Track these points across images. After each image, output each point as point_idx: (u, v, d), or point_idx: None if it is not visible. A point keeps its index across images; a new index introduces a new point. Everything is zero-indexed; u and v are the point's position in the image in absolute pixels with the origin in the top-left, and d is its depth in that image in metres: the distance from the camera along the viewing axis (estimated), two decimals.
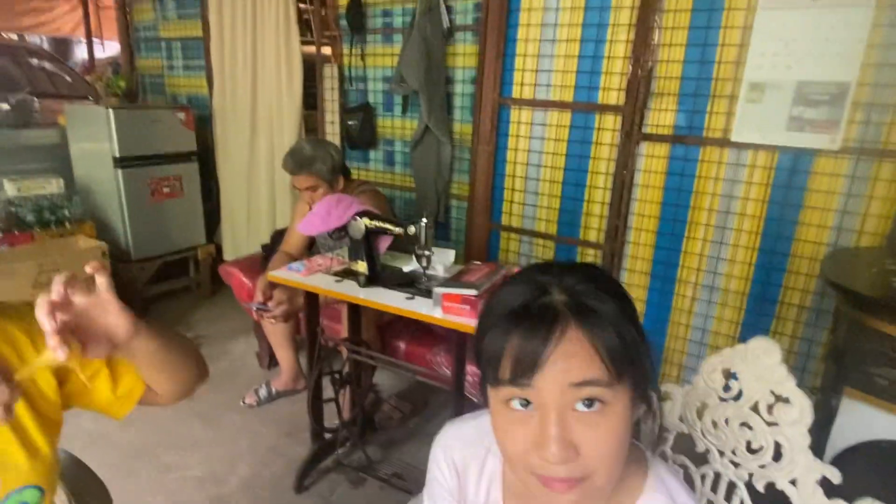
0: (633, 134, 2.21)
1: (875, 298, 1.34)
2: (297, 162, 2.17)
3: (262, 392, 2.52)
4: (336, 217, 1.76)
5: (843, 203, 1.92)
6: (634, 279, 2.37)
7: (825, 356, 1.94)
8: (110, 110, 3.03)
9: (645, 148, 2.23)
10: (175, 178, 3.32)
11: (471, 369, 1.91)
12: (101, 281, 0.65)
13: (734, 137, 2.03)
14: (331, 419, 2.09)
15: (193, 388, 0.90)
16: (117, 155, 3.06)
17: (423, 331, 2.41)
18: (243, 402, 2.50)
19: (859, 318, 1.40)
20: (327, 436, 2.09)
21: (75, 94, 4.49)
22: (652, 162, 2.22)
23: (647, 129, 2.20)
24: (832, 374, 1.53)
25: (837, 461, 1.51)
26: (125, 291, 3.09)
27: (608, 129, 2.29)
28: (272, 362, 2.78)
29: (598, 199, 2.39)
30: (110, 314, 0.67)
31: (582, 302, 0.58)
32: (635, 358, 0.59)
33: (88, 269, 0.66)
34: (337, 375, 2.03)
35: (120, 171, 3.09)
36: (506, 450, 0.61)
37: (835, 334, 1.58)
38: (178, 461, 2.13)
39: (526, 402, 0.58)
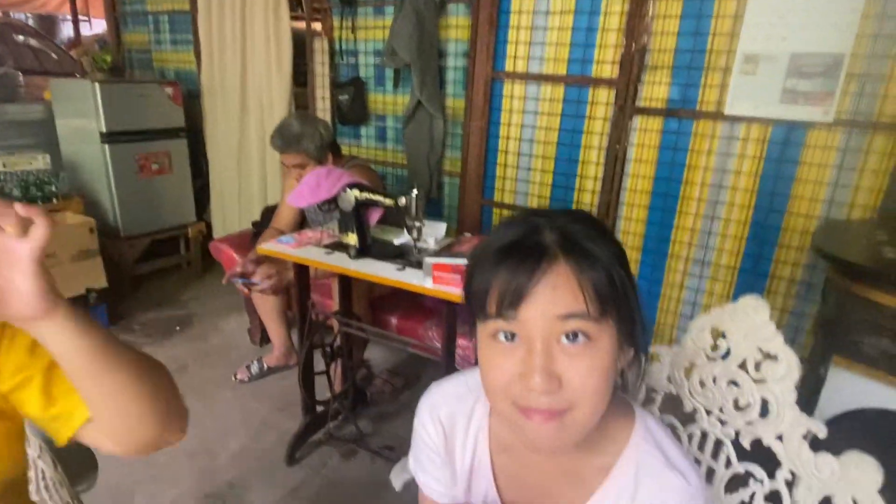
0: (626, 108, 2.19)
1: (864, 267, 1.34)
2: (284, 140, 2.14)
3: (254, 368, 2.52)
4: (325, 189, 1.74)
5: (835, 176, 1.92)
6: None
7: (814, 328, 1.96)
8: (96, 84, 2.98)
9: (638, 122, 2.21)
10: (164, 155, 3.28)
11: (461, 342, 1.91)
12: (37, 233, 0.54)
13: (727, 110, 2.02)
14: (322, 393, 2.09)
15: (160, 437, 0.67)
16: (104, 130, 3.02)
17: (414, 306, 2.40)
18: (235, 378, 2.50)
19: (848, 286, 1.40)
20: (319, 409, 2.09)
21: (61, 71, 4.42)
22: (645, 136, 2.21)
23: (640, 103, 2.18)
24: (820, 343, 1.54)
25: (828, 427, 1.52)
26: (115, 269, 3.07)
27: (601, 104, 2.27)
28: (264, 339, 2.77)
29: (591, 175, 2.37)
30: (17, 272, 0.53)
31: (572, 240, 0.58)
32: (623, 299, 0.59)
33: (22, 212, 0.54)
34: (328, 349, 2.03)
35: (107, 147, 3.05)
36: (489, 382, 0.60)
37: (823, 304, 1.58)
38: None
39: (511, 336, 0.58)
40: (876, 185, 1.86)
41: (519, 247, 0.58)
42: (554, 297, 0.56)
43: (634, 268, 2.37)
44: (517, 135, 2.51)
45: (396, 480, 1.03)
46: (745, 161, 2.05)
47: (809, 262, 2.03)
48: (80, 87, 3.06)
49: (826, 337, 1.51)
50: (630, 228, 2.34)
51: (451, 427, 0.76)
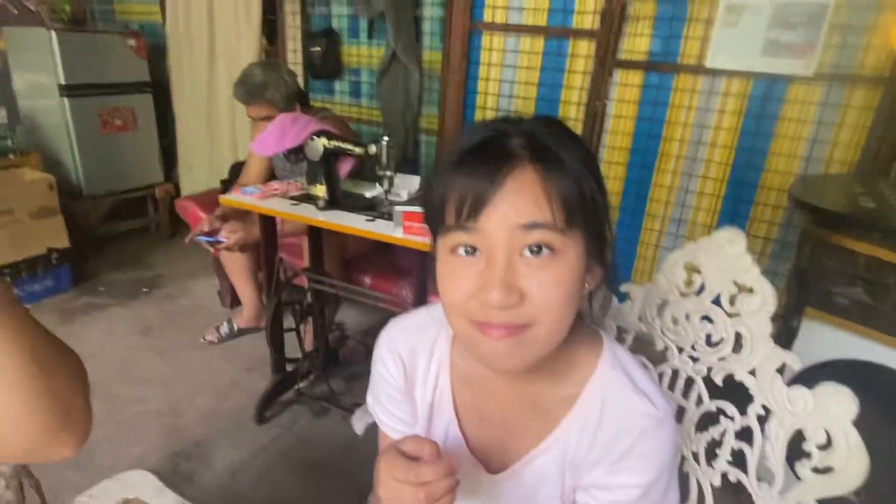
0: (606, 61, 2.13)
1: (841, 214, 1.32)
2: (247, 90, 2.03)
3: (224, 329, 2.45)
4: (292, 136, 1.66)
5: (814, 132, 1.90)
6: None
7: (788, 285, 1.96)
8: (53, 33, 2.81)
9: (618, 76, 2.15)
10: (127, 110, 3.13)
11: (434, 299, 1.87)
12: None
13: (709, 63, 1.97)
14: (293, 353, 2.04)
15: (41, 451, 0.48)
16: (63, 82, 2.86)
17: (388, 266, 2.35)
18: (204, 340, 2.43)
19: (824, 236, 1.38)
20: (289, 368, 2.05)
21: (19, 24, 4.17)
22: (625, 91, 2.16)
23: (621, 56, 2.12)
24: (794, 296, 1.53)
25: (795, 381, 1.53)
26: (78, 229, 2.95)
27: (581, 56, 2.20)
28: (234, 301, 2.70)
29: None
30: None
31: (540, 144, 0.53)
32: (592, 212, 0.54)
33: None
34: (297, 307, 1.97)
35: (66, 101, 2.89)
36: (446, 299, 0.56)
37: (799, 256, 1.57)
38: (132, 395, 2.07)
39: (472, 249, 0.53)
40: (854, 141, 1.84)
41: (481, 151, 0.53)
42: (517, 204, 0.51)
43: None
44: (496, 90, 2.44)
45: (358, 425, 0.99)
46: (726, 117, 2.01)
47: (784, 220, 2.02)
48: (36, 36, 2.89)
49: (800, 289, 1.50)
50: (609, 187, 2.28)
51: (411, 362, 0.72)
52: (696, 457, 0.85)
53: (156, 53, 3.33)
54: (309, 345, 2.12)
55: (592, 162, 0.56)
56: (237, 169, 2.51)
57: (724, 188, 2.08)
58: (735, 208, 2.07)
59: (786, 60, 1.85)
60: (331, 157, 1.69)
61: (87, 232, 3.11)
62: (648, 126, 2.15)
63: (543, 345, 0.55)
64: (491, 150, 0.53)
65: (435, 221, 0.56)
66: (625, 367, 0.64)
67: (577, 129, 2.29)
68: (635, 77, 2.12)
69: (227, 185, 2.55)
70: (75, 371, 0.52)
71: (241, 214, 2.17)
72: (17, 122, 3.02)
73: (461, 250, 0.54)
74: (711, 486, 0.83)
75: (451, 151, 0.56)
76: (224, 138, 3.19)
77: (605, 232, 0.57)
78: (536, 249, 0.52)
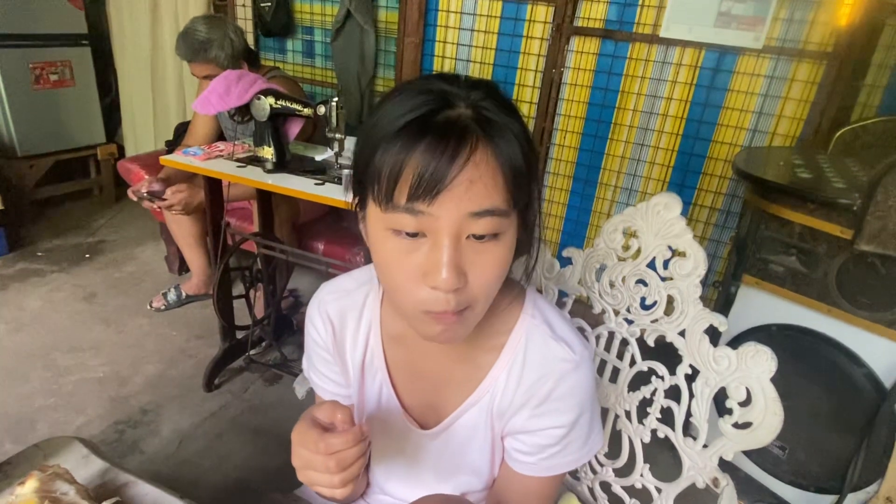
0: (563, 27, 2.11)
1: (778, 185, 1.36)
2: (189, 47, 1.93)
3: (171, 296, 2.39)
4: (236, 95, 1.59)
5: (760, 104, 1.94)
6: (557, 182, 2.35)
7: (728, 255, 2.03)
8: None
9: (575, 43, 2.14)
10: (63, 64, 2.93)
11: None
12: None
13: (663, 33, 1.97)
14: (245, 320, 2.01)
15: None
16: None
17: (341, 233, 2.32)
18: (150, 306, 2.36)
19: (763, 205, 1.43)
20: (240, 335, 2.01)
21: None
22: (581, 58, 2.15)
23: (578, 23, 2.10)
24: (733, 263, 1.59)
25: (730, 345, 1.60)
26: (13, 191, 2.79)
27: (539, 22, 2.18)
28: (182, 268, 2.62)
29: (527, 99, 2.31)
30: None
31: (489, 118, 0.50)
32: (529, 185, 0.54)
33: None
34: (247, 273, 1.93)
35: None
36: (392, 281, 0.54)
37: (740, 225, 1.62)
38: (75, 364, 2.00)
39: (415, 234, 0.51)
40: (798, 114, 1.90)
41: (432, 123, 0.49)
42: (470, 191, 0.48)
43: (565, 197, 2.36)
44: (453, 54, 2.39)
45: (300, 389, 0.99)
46: (678, 87, 2.03)
47: (730, 191, 2.07)
48: None
49: (739, 257, 1.55)
50: (563, 156, 2.31)
51: (340, 323, 0.72)
52: (628, 415, 0.88)
53: (93, 3, 3.11)
54: (260, 311, 2.09)
55: (527, 130, 0.54)
56: (183, 129, 2.41)
57: (673, 159, 2.12)
58: (683, 178, 2.12)
59: (736, 32, 1.87)
60: (278, 117, 1.63)
61: (24, 194, 2.94)
62: (603, 96, 2.15)
63: (479, 317, 0.57)
64: (443, 125, 0.49)
65: (372, 191, 0.52)
66: (545, 315, 0.66)
67: (534, 96, 2.28)
68: (591, 45, 2.12)
69: (172, 146, 2.44)
70: None
71: (188, 177, 2.09)
72: None
73: (404, 233, 0.51)
74: (642, 442, 0.87)
75: (391, 114, 0.51)
76: (170, 96, 3.04)
77: (535, 200, 0.56)
78: (481, 236, 0.51)
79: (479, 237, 0.51)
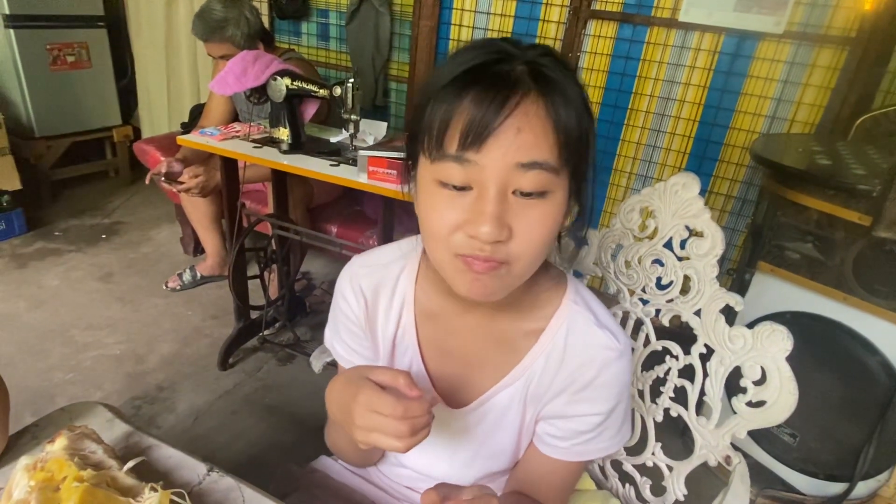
0: (581, 10, 2.09)
1: (797, 170, 1.35)
2: (207, 26, 1.93)
3: (186, 276, 2.42)
4: (253, 75, 1.60)
5: (780, 91, 1.91)
6: None
7: (744, 243, 2.01)
8: None
9: (592, 27, 2.12)
10: (79, 46, 2.95)
11: None
12: None
13: (682, 17, 1.95)
14: (259, 301, 2.03)
15: None
16: (7, 12, 2.67)
17: (354, 215, 2.33)
18: (166, 286, 2.40)
19: (780, 191, 1.42)
20: (254, 315, 2.04)
21: None
22: (598, 43, 2.13)
23: (595, 6, 2.08)
24: (749, 250, 1.58)
25: None
26: (32, 171, 2.83)
27: (556, 5, 2.16)
28: (198, 249, 2.65)
29: None
30: None
31: (545, 74, 0.50)
32: (584, 150, 0.53)
33: None
34: (262, 254, 1.95)
35: (12, 32, 2.71)
36: (431, 228, 0.54)
37: (756, 212, 1.61)
38: (93, 341, 2.04)
39: (462, 187, 0.51)
40: (818, 101, 1.87)
41: (485, 74, 0.49)
42: (518, 139, 0.48)
43: None
44: (468, 37, 2.38)
45: (316, 363, 1.00)
46: (696, 72, 2.01)
47: (747, 178, 2.05)
48: None
49: (755, 244, 1.54)
50: None
51: (373, 297, 0.72)
52: (641, 394, 0.88)
53: None
54: (274, 292, 2.11)
55: (587, 98, 0.54)
56: (198, 110, 2.42)
57: (690, 145, 2.10)
58: (700, 165, 2.10)
59: (757, 17, 1.84)
60: (294, 98, 1.64)
61: (42, 175, 2.98)
62: (619, 81, 2.13)
63: (517, 279, 0.56)
64: (495, 76, 0.49)
65: (423, 144, 0.53)
66: (588, 303, 0.66)
67: None
68: (609, 28, 2.09)
69: (187, 128, 2.46)
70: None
71: (204, 159, 2.11)
72: None
73: (451, 186, 0.52)
74: (654, 421, 0.87)
75: (446, 70, 0.52)
76: (185, 77, 3.05)
77: (589, 169, 0.56)
78: (528, 194, 0.51)
79: (527, 194, 0.51)
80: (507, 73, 0.50)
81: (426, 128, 0.52)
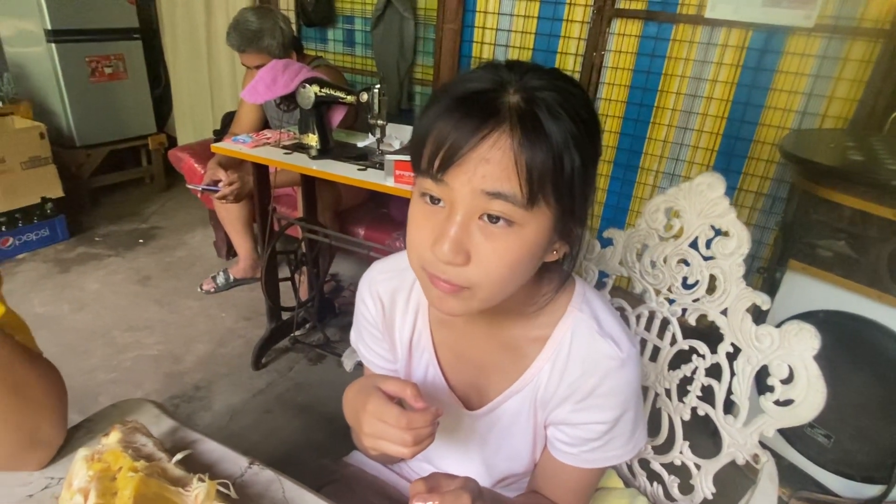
0: (605, 9, 2.08)
1: (829, 167, 1.33)
2: (243, 37, 1.99)
3: (220, 279, 2.49)
4: (283, 84, 1.64)
5: (811, 86, 1.88)
6: (598, 168, 2.33)
7: (774, 241, 1.98)
8: None
9: (617, 26, 2.11)
10: (116, 58, 3.07)
11: None
12: None
13: (708, 13, 1.93)
14: (289, 302, 2.08)
15: (7, 463, 0.63)
16: (49, 27, 2.79)
17: (381, 218, 2.37)
18: (200, 289, 2.47)
19: (811, 188, 1.40)
20: (285, 316, 2.09)
21: None
22: (623, 41, 2.12)
23: (619, 4, 2.08)
24: (780, 248, 1.56)
25: None
26: (72, 179, 2.95)
27: (580, 5, 2.15)
28: (230, 252, 2.73)
29: None
30: None
31: (531, 111, 0.50)
32: (569, 189, 0.52)
33: None
34: (292, 256, 2.00)
35: (54, 46, 2.83)
36: (409, 240, 0.57)
37: (787, 209, 1.59)
38: (133, 342, 2.12)
39: (437, 200, 0.54)
40: (851, 95, 1.83)
41: (469, 102, 0.51)
42: (485, 170, 0.49)
43: (605, 183, 2.35)
44: (492, 39, 2.39)
45: (348, 362, 1.03)
46: (723, 69, 1.99)
47: (777, 176, 2.02)
48: None
49: (785, 242, 1.52)
50: (603, 140, 2.29)
51: (390, 302, 0.75)
52: (668, 393, 0.89)
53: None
54: (304, 294, 2.16)
55: (588, 133, 0.53)
56: (229, 118, 2.49)
57: (718, 142, 2.08)
58: (728, 163, 2.07)
59: (786, 11, 1.81)
60: (322, 105, 1.68)
61: (82, 183, 3.11)
62: (645, 79, 2.12)
63: (481, 304, 0.56)
64: (479, 105, 0.50)
65: (414, 158, 0.56)
66: (593, 310, 0.66)
67: None
68: (634, 27, 2.09)
69: (219, 135, 2.53)
70: (50, 390, 0.64)
71: (237, 164, 2.17)
72: (4, 69, 2.97)
73: (427, 197, 0.54)
74: (681, 420, 0.88)
75: (444, 92, 0.54)
76: (225, 86, 3.13)
77: (577, 210, 0.55)
78: (495, 220, 0.52)
79: (492, 221, 0.52)
80: (492, 102, 0.51)
81: (416, 141, 0.55)
